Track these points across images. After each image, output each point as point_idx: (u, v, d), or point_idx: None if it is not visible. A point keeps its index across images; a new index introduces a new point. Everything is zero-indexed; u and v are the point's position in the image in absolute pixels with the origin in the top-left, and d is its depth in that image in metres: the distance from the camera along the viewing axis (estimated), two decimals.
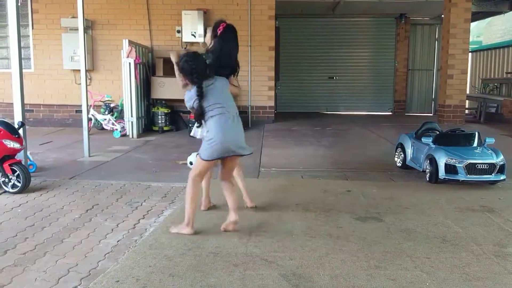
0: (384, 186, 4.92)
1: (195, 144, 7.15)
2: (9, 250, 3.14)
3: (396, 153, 6.00)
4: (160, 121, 9.31)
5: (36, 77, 10.29)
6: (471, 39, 11.90)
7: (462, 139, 5.28)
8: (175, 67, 3.56)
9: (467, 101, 12.14)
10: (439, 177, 4.89)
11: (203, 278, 2.66)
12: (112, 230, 3.57)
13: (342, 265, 2.86)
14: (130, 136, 8.62)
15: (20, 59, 4.94)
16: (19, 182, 4.55)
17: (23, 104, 5.00)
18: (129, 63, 8.53)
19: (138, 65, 8.82)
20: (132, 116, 8.62)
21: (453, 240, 3.30)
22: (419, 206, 4.16)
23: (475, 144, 5.19)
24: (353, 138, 8.62)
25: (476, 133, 5.29)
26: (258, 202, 4.19)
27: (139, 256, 2.97)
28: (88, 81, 9.69)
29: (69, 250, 3.15)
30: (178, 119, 9.79)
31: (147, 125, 9.48)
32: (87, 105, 6.79)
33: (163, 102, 9.39)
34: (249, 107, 10.32)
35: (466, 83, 11.51)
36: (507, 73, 13.02)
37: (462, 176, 4.79)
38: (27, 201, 4.31)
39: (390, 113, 13.85)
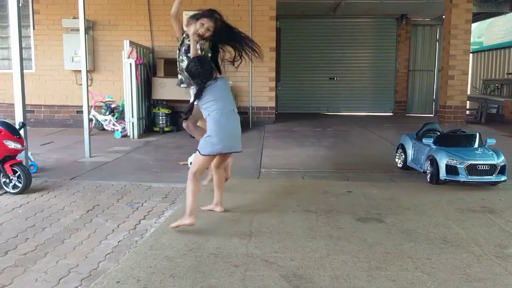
0: (385, 187, 4.92)
1: (196, 144, 7.15)
2: (10, 250, 3.15)
3: (397, 154, 6.00)
4: (161, 122, 9.32)
5: (37, 77, 10.31)
6: (472, 40, 11.89)
7: (463, 140, 5.27)
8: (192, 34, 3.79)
9: (468, 102, 12.13)
10: (440, 178, 4.89)
11: (204, 278, 2.66)
12: (113, 230, 3.57)
13: (343, 266, 2.85)
14: (131, 136, 8.63)
15: (21, 59, 4.95)
16: (20, 183, 4.55)
17: (24, 105, 5.01)
18: (130, 64, 8.53)
19: (139, 65, 8.83)
20: (133, 117, 8.63)
21: (454, 241, 3.30)
22: (420, 207, 4.16)
23: (476, 145, 5.18)
24: (354, 139, 8.62)
25: (477, 134, 5.29)
26: (259, 202, 4.19)
27: (140, 257, 2.97)
28: (89, 81, 9.72)
29: (70, 251, 3.15)
30: (179, 120, 9.79)
31: (148, 126, 9.48)
32: (88, 106, 6.80)
33: (164, 102, 9.40)
34: (250, 108, 10.32)
35: (467, 84, 11.51)
36: (508, 74, 13.01)
37: (463, 177, 4.78)
38: (28, 202, 4.31)
39: (391, 113, 13.86)
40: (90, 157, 6.56)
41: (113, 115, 9.21)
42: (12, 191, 4.56)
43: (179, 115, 9.95)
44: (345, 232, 3.48)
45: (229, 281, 2.63)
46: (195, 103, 3.73)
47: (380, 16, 13.50)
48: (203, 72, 3.62)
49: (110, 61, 10.12)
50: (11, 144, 4.58)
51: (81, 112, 7.17)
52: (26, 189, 4.58)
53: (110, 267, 2.84)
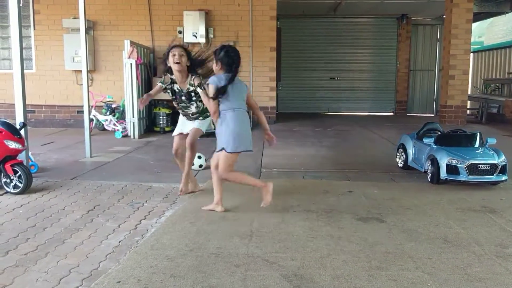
0: (386, 187, 4.92)
1: (197, 144, 7.15)
2: (10, 250, 3.15)
3: (398, 154, 5.99)
4: (161, 122, 9.32)
5: (38, 78, 10.32)
6: (472, 40, 11.88)
7: (464, 139, 5.27)
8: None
9: (468, 102, 12.13)
10: (441, 177, 4.89)
11: (205, 278, 2.66)
12: (114, 230, 3.57)
13: (344, 265, 2.85)
14: (132, 136, 8.63)
15: (22, 60, 4.95)
16: (21, 183, 4.56)
17: (24, 105, 5.01)
18: (131, 64, 8.54)
19: (139, 65, 8.83)
20: (133, 117, 8.63)
21: (455, 241, 3.30)
22: (421, 206, 4.15)
23: (477, 144, 5.18)
24: (355, 138, 8.62)
25: (478, 133, 5.28)
26: (260, 202, 4.18)
27: (141, 257, 2.97)
28: (90, 81, 9.73)
29: (71, 251, 3.16)
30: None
31: (149, 126, 9.49)
32: (89, 106, 6.80)
33: (165, 102, 9.39)
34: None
35: (468, 84, 11.50)
36: (508, 73, 13.00)
37: (463, 177, 4.78)
38: (28, 202, 4.32)
39: (392, 113, 13.85)
40: (91, 157, 6.56)
41: (113, 115, 9.21)
42: (12, 191, 4.56)
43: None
44: (346, 232, 3.48)
45: (230, 281, 2.63)
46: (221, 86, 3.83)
47: (380, 15, 13.50)
48: (236, 59, 3.81)
49: (110, 61, 10.13)
50: (12, 144, 4.58)
51: (82, 112, 7.18)
52: (26, 189, 4.58)
53: (111, 267, 2.84)
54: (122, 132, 8.79)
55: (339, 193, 4.62)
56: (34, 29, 10.26)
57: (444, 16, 11.15)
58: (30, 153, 5.36)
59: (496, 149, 5.03)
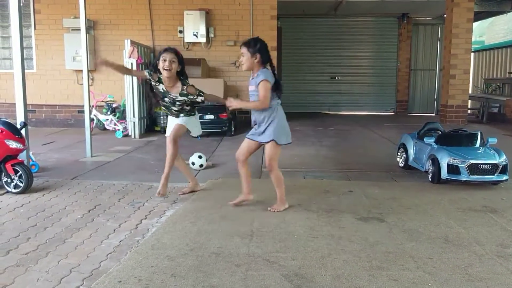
0: (386, 187, 4.91)
1: (197, 144, 7.14)
2: (11, 250, 3.15)
3: (398, 153, 5.99)
4: (162, 122, 9.31)
5: (39, 77, 10.32)
6: (473, 39, 11.88)
7: (465, 139, 5.26)
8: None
9: (469, 101, 12.12)
10: (442, 177, 4.88)
11: (205, 278, 2.66)
12: (114, 230, 3.57)
13: (344, 265, 2.85)
14: (132, 136, 8.64)
15: (23, 59, 4.95)
16: (22, 183, 4.56)
17: (25, 105, 5.01)
18: (131, 63, 8.54)
19: (140, 65, 8.83)
20: (134, 116, 8.64)
21: (456, 241, 3.29)
22: (422, 206, 4.15)
23: (478, 144, 5.17)
24: (355, 138, 8.61)
25: (479, 133, 5.28)
26: (260, 202, 4.19)
27: (141, 257, 2.97)
28: (90, 81, 9.72)
29: (72, 250, 3.16)
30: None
31: (149, 126, 9.49)
32: (89, 106, 6.80)
33: None
34: None
35: (469, 83, 11.50)
36: (509, 73, 12.98)
37: (464, 177, 4.78)
38: (29, 201, 4.32)
39: (392, 113, 13.84)
40: (92, 156, 6.57)
41: (114, 115, 9.22)
42: (13, 190, 4.57)
43: None
44: (346, 231, 3.48)
45: (231, 281, 2.62)
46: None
47: (381, 15, 13.49)
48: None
49: (111, 60, 10.12)
50: (13, 144, 4.59)
51: (83, 111, 7.18)
52: (27, 189, 4.58)
53: (112, 267, 2.84)
54: (122, 131, 8.79)
55: (340, 192, 4.62)
56: (35, 28, 10.27)
57: (445, 16, 11.15)
58: (31, 153, 5.36)
59: (497, 149, 5.02)
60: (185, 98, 4.32)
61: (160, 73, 4.30)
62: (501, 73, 13.67)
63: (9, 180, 4.57)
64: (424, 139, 5.28)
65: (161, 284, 2.58)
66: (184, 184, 4.99)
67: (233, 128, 8.85)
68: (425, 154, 5.26)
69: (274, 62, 4.21)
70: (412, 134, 5.84)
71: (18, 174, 4.56)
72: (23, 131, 4.80)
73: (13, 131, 4.65)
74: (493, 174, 4.79)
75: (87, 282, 2.67)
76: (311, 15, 13.39)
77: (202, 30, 9.92)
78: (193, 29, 9.91)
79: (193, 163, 5.73)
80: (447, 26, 10.88)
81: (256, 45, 3.87)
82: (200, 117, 8.45)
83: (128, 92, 8.65)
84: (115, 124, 9.07)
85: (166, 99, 4.38)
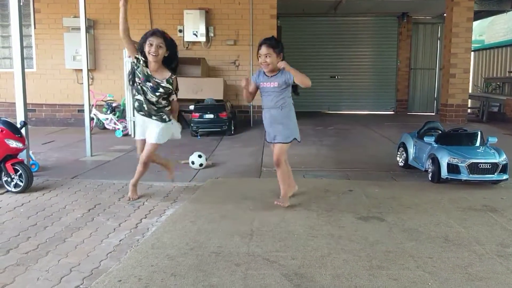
0: (386, 186, 4.91)
1: (197, 143, 7.14)
2: (11, 249, 3.15)
3: (398, 153, 5.99)
4: None
5: (38, 76, 10.32)
6: (473, 38, 11.87)
7: (465, 138, 5.26)
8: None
9: (469, 100, 12.12)
10: (442, 176, 4.88)
11: (205, 277, 2.66)
12: (114, 229, 3.57)
13: (344, 264, 2.85)
14: (132, 135, 8.61)
15: (23, 58, 4.95)
16: (22, 182, 4.56)
17: (25, 104, 5.01)
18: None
19: None
20: (134, 116, 8.60)
21: (456, 240, 3.29)
22: (421, 205, 4.15)
23: (478, 143, 5.17)
24: (355, 137, 8.61)
25: (479, 132, 5.28)
26: (260, 201, 4.19)
27: (141, 256, 2.97)
28: (90, 80, 9.72)
29: (72, 250, 3.16)
30: (180, 119, 9.77)
31: None
32: (89, 105, 6.80)
33: None
34: (251, 106, 10.32)
35: (469, 82, 11.49)
36: (509, 72, 12.98)
37: (464, 176, 4.78)
38: (29, 201, 4.32)
39: (392, 112, 13.84)
40: (91, 156, 6.57)
41: (114, 114, 9.21)
42: (13, 190, 4.57)
43: (180, 114, 9.95)
44: (346, 231, 3.48)
45: (231, 280, 2.63)
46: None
47: (381, 14, 13.48)
48: None
49: (111, 60, 10.13)
50: (13, 143, 4.58)
51: (82, 111, 7.19)
52: (27, 188, 4.58)
53: (112, 266, 2.85)
54: (122, 131, 8.79)
55: (340, 192, 4.61)
56: (35, 28, 10.26)
57: (445, 15, 11.14)
58: (30, 152, 5.36)
59: (497, 148, 5.02)
60: (170, 87, 4.12)
61: (146, 58, 4.06)
62: (501, 72, 13.66)
63: (9, 179, 4.57)
64: (424, 139, 5.28)
65: (161, 283, 2.58)
66: (185, 184, 4.99)
67: (232, 128, 8.84)
68: (425, 154, 5.26)
69: None
70: (412, 134, 5.84)
71: (18, 173, 4.56)
72: (23, 130, 4.80)
73: (13, 130, 4.65)
74: (493, 174, 4.79)
75: (87, 281, 2.67)
76: (311, 14, 13.38)
77: (202, 29, 9.92)
78: (193, 28, 9.91)
79: (192, 162, 5.74)
80: (447, 25, 10.88)
81: (279, 45, 3.97)
82: (200, 116, 8.57)
83: (128, 91, 8.64)
84: (115, 124, 9.07)
85: (148, 84, 4.09)
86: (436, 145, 5.12)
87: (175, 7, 10.15)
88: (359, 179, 5.23)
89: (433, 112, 13.65)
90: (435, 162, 4.95)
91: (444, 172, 4.85)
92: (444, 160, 4.86)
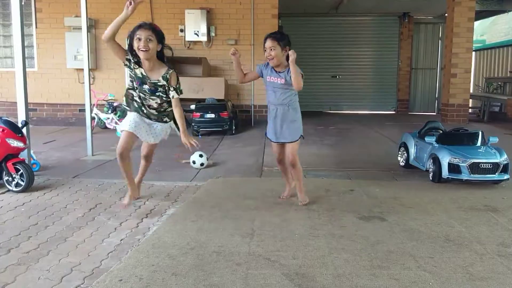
0: (387, 186, 4.91)
1: (198, 143, 7.13)
2: (12, 248, 3.15)
3: (399, 152, 5.99)
4: None
5: (40, 76, 10.33)
6: (474, 38, 11.85)
7: (466, 138, 5.26)
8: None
9: (470, 100, 12.10)
10: (443, 176, 4.88)
11: (206, 277, 2.66)
12: (115, 229, 3.57)
13: (345, 264, 2.85)
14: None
15: (24, 58, 4.95)
16: (23, 181, 4.56)
17: (26, 103, 5.01)
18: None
19: None
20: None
21: (457, 240, 3.29)
22: (422, 205, 4.15)
23: (479, 143, 5.17)
24: (356, 137, 8.61)
25: (480, 132, 5.27)
26: (261, 201, 4.19)
27: (142, 255, 2.97)
28: (92, 80, 9.71)
29: (73, 249, 3.16)
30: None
31: None
32: (90, 104, 6.81)
33: None
34: (252, 106, 10.33)
35: (470, 82, 11.48)
36: (511, 72, 12.97)
37: (465, 176, 4.77)
38: (30, 200, 4.32)
39: (393, 112, 13.83)
40: (93, 155, 6.57)
41: (115, 114, 9.21)
42: (14, 189, 4.57)
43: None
44: (347, 230, 3.48)
45: (231, 279, 2.63)
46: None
47: (382, 14, 13.47)
48: None
49: (112, 59, 10.12)
50: (14, 143, 4.59)
51: (84, 110, 7.18)
52: (28, 188, 4.59)
53: (113, 265, 2.85)
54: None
55: (341, 191, 4.61)
56: (36, 27, 10.27)
57: (446, 15, 11.13)
58: (32, 151, 5.37)
59: (498, 148, 5.02)
60: (164, 83, 3.66)
61: (137, 57, 3.62)
62: (502, 72, 13.65)
63: (10, 178, 4.58)
64: (425, 138, 5.27)
65: (162, 283, 2.58)
66: (186, 183, 5.00)
67: (234, 127, 8.84)
68: (426, 153, 5.26)
69: None
70: (413, 133, 5.83)
71: (19, 173, 4.57)
72: (24, 130, 4.81)
73: (14, 129, 4.66)
74: (494, 173, 4.78)
75: (88, 281, 2.68)
76: (312, 14, 13.37)
77: (203, 29, 9.91)
78: (194, 28, 9.91)
79: (193, 162, 5.74)
80: (448, 25, 10.86)
81: (285, 38, 3.86)
82: (201, 116, 8.57)
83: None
84: (116, 123, 9.06)
85: (145, 87, 3.66)
86: (437, 145, 5.12)
87: (176, 6, 10.15)
88: (360, 179, 5.22)
89: (434, 112, 13.64)
90: (436, 162, 4.95)
91: (445, 172, 4.85)
92: (445, 160, 4.85)
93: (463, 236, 3.37)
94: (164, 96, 3.75)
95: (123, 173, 3.86)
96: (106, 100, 9.37)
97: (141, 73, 3.67)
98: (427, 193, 4.57)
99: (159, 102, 3.77)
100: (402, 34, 13.58)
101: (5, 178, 4.60)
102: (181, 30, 10.07)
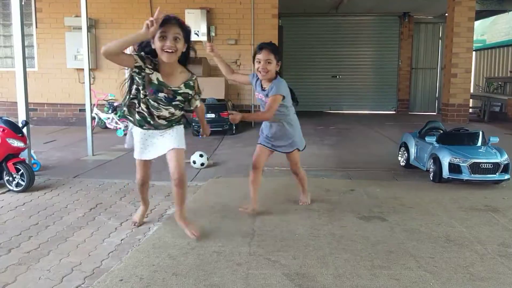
0: (388, 186, 4.91)
1: (199, 143, 7.14)
2: (13, 248, 3.15)
3: (400, 152, 5.98)
4: None
5: (40, 76, 10.33)
6: (475, 38, 11.85)
7: (466, 138, 5.26)
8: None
9: (471, 100, 12.10)
10: (443, 176, 4.88)
11: (207, 277, 2.66)
12: (116, 229, 3.57)
13: (346, 264, 2.85)
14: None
15: (24, 58, 4.95)
16: (23, 181, 4.56)
17: (27, 103, 5.01)
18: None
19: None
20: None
21: (457, 240, 3.29)
22: (423, 205, 4.15)
23: (479, 143, 5.17)
24: (357, 137, 8.61)
25: (480, 132, 5.27)
26: (261, 201, 4.18)
27: (143, 255, 2.97)
28: (92, 80, 9.71)
29: (73, 249, 3.16)
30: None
31: None
32: (91, 104, 6.81)
33: None
34: (252, 106, 10.32)
35: (470, 82, 11.48)
36: (511, 71, 12.97)
37: (466, 176, 4.77)
38: (31, 200, 4.32)
39: (394, 112, 13.83)
40: (93, 155, 6.57)
41: (115, 113, 9.21)
42: (15, 189, 4.57)
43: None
44: (347, 230, 3.48)
45: (232, 280, 2.63)
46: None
47: (382, 14, 13.47)
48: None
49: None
50: (14, 143, 4.59)
51: (84, 110, 7.18)
52: (29, 187, 4.59)
53: (113, 265, 2.85)
54: (124, 130, 8.79)
55: (341, 191, 4.61)
56: (36, 27, 10.27)
57: (447, 14, 11.13)
58: (32, 151, 5.37)
59: (498, 148, 5.01)
60: (189, 92, 3.15)
61: (155, 57, 3.03)
62: (502, 72, 13.65)
63: (10, 178, 4.58)
64: (426, 138, 5.27)
65: (162, 283, 2.58)
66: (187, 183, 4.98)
67: (234, 127, 8.84)
68: (427, 153, 5.26)
69: None
70: (414, 133, 5.83)
71: (19, 173, 4.57)
72: (24, 130, 4.81)
73: (15, 129, 4.66)
74: (495, 173, 4.78)
75: (88, 281, 2.68)
76: (312, 13, 13.37)
77: (203, 29, 9.91)
78: (194, 28, 9.89)
79: (194, 162, 5.74)
80: (448, 25, 10.86)
81: (279, 51, 3.74)
82: None
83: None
84: (116, 123, 9.07)
85: (161, 95, 3.06)
86: (438, 144, 5.12)
87: (176, 6, 10.13)
88: (360, 179, 5.22)
89: (435, 112, 13.64)
90: (437, 162, 4.95)
91: (445, 172, 4.85)
92: (446, 160, 4.85)
93: (464, 236, 3.37)
94: (182, 105, 3.20)
95: (140, 194, 3.65)
96: (106, 100, 9.38)
97: (157, 79, 3.03)
98: (428, 193, 4.57)
99: (173, 111, 3.18)
100: (402, 34, 13.58)
101: (6, 178, 4.60)
102: None
